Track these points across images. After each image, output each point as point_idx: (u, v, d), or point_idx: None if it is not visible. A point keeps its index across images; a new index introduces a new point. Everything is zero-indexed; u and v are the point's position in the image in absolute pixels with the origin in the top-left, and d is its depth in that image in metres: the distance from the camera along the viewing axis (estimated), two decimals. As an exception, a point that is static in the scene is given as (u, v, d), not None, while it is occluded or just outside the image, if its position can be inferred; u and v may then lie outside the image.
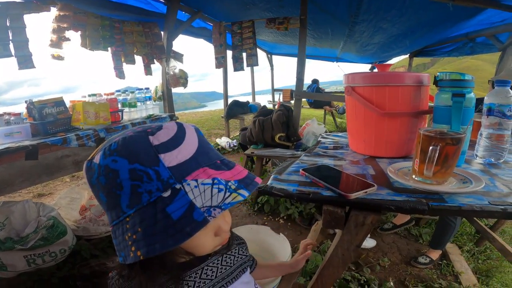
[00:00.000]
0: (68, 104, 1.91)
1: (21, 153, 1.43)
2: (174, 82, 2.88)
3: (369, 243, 1.89)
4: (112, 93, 2.40)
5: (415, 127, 0.84)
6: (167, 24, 2.94)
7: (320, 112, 6.72)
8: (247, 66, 3.11)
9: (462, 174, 0.65)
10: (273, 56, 6.86)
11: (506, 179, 0.68)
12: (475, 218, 1.89)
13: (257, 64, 3.02)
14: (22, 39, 1.95)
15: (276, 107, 5.29)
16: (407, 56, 4.68)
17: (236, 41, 3.13)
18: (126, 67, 2.92)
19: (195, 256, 0.47)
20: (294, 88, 2.72)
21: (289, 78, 2.59)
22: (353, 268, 1.66)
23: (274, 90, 7.64)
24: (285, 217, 2.31)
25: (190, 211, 0.35)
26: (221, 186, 0.37)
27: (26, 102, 1.74)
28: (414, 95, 0.83)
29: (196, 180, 0.37)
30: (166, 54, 2.97)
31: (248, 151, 2.48)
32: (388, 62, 5.15)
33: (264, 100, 7.09)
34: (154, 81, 3.30)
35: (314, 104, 6.56)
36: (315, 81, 6.83)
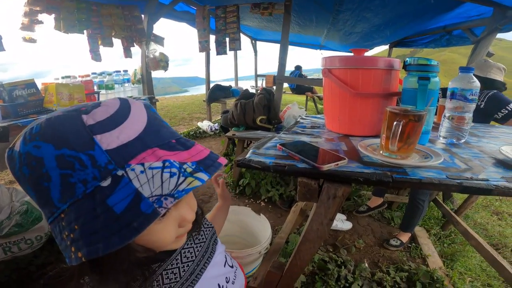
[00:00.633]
0: (40, 87, 1.83)
1: (-9, 135, 1.37)
2: (154, 65, 2.81)
3: (346, 225, 1.98)
4: (88, 75, 2.30)
5: (385, 108, 0.88)
6: (148, 7, 2.84)
7: (302, 98, 6.81)
8: (230, 50, 3.08)
9: (424, 150, 0.70)
10: (258, 42, 6.80)
11: (465, 157, 0.74)
12: (441, 202, 2.04)
13: (239, 49, 3.00)
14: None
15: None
16: (387, 46, 4.80)
17: (220, 25, 3.08)
18: (103, 50, 2.80)
19: (156, 250, 0.41)
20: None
21: (273, 65, 2.60)
22: (331, 250, 1.74)
23: (257, 76, 7.63)
24: (266, 200, 2.36)
25: (136, 202, 0.29)
26: (174, 170, 0.31)
27: (-5, 85, 1.65)
28: (385, 78, 0.88)
29: (143, 164, 0.30)
30: (146, 37, 2.88)
31: (229, 134, 2.49)
32: (369, 52, 5.27)
33: (247, 86, 7.07)
34: (133, 64, 3.21)
35: (296, 90, 6.63)
36: (298, 68, 6.88)
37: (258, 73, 7.66)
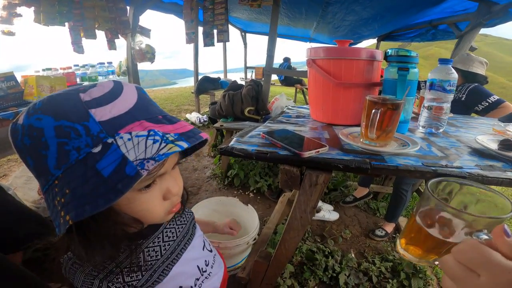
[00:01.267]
0: (19, 80, 1.76)
1: (-32, 128, 1.31)
2: (140, 57, 2.75)
3: (333, 216, 2.01)
4: (70, 67, 2.23)
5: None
6: (134, -1, 2.76)
7: (291, 90, 6.82)
8: (218, 42, 3.04)
9: (402, 138, 0.72)
10: (248, 35, 6.74)
11: (442, 146, 0.77)
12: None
13: (228, 40, 2.96)
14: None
15: (247, 83, 5.32)
16: (375, 40, 4.84)
17: (208, 16, 3.02)
18: (85, 42, 2.72)
19: (146, 224, 0.44)
20: (266, 66, 2.73)
21: (263, 57, 2.58)
22: (319, 240, 1.77)
23: (246, 68, 7.58)
24: (254, 191, 2.37)
25: (122, 165, 0.32)
26: (157, 138, 0.34)
27: (-27, 78, 1.58)
28: (367, 68, 0.89)
29: (130, 133, 0.34)
30: (131, 29, 2.81)
31: (217, 124, 2.48)
32: (358, 45, 5.30)
33: (236, 78, 7.02)
34: (118, 57, 3.13)
35: (285, 82, 6.62)
36: (286, 59, 6.87)
37: (248, 65, 7.61)
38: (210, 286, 0.59)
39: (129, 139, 0.33)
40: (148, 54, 2.81)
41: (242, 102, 2.37)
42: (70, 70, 2.14)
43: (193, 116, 4.39)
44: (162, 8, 3.56)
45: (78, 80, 2.14)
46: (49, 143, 0.32)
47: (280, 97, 2.47)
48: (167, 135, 0.35)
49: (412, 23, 3.75)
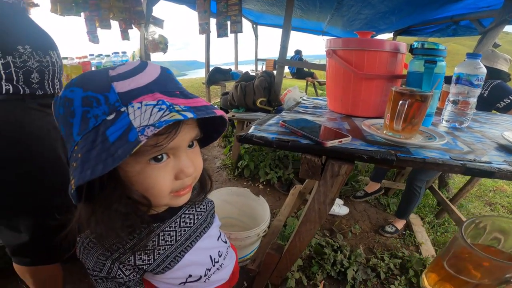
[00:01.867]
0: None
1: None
2: (153, 47, 2.76)
3: (342, 210, 2.00)
4: (85, 57, 2.26)
5: (389, 90, 0.88)
6: (148, -11, 2.76)
7: (302, 83, 6.74)
8: (231, 32, 3.02)
9: (428, 131, 0.70)
10: (259, 27, 6.66)
11: (467, 141, 0.75)
12: (438, 190, 2.06)
13: (241, 31, 2.94)
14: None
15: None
16: (391, 34, 4.71)
17: (221, 7, 3.01)
18: (100, 32, 2.75)
19: (154, 204, 0.43)
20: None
21: (273, 50, 2.55)
22: (328, 234, 1.76)
23: (257, 60, 7.51)
24: (264, 182, 2.37)
25: (126, 132, 0.32)
26: (163, 107, 0.34)
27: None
28: (391, 60, 0.87)
29: (141, 102, 0.34)
30: (145, 19, 2.82)
31: (229, 115, 2.48)
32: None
33: (247, 70, 6.99)
34: (132, 47, 3.15)
35: (297, 75, 6.54)
36: (298, 52, 6.77)
37: (258, 57, 7.53)
38: (219, 277, 0.58)
39: (138, 108, 0.34)
40: (161, 45, 2.82)
41: (254, 93, 2.35)
42: (85, 59, 2.17)
43: (204, 107, 4.38)
44: (174, -2, 3.54)
45: (93, 69, 2.17)
46: (76, 112, 0.35)
47: (293, 89, 2.44)
48: (175, 106, 0.35)
49: (432, 18, 3.62)
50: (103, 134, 0.33)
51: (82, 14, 2.53)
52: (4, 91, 0.73)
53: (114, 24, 2.79)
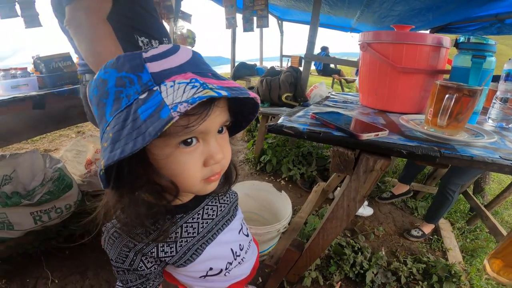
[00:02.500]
0: (75, 61, 1.90)
1: (29, 102, 1.41)
2: (181, 42, 2.83)
3: (366, 211, 1.94)
4: (118, 49, 2.35)
5: (430, 86, 0.83)
6: (176, -16, 2.81)
7: (328, 80, 6.59)
8: (257, 27, 3.01)
9: (474, 129, 0.65)
10: (284, 23, 6.58)
11: (516, 141, 0.68)
12: (472, 195, 1.93)
13: (267, 26, 2.92)
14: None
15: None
16: (427, 31, 4.45)
17: (248, 2, 3.01)
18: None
19: (182, 192, 0.42)
20: (303, 56, 2.64)
21: (299, 46, 2.51)
22: (349, 235, 1.72)
23: (282, 56, 7.42)
24: (286, 179, 2.35)
25: (158, 109, 0.32)
26: (197, 84, 0.33)
27: (33, 57, 1.72)
28: (432, 55, 0.82)
29: (174, 81, 0.34)
30: (174, 14, 2.88)
31: (253, 109, 2.48)
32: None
33: (272, 65, 6.94)
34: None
35: (323, 72, 6.39)
36: (324, 49, 6.62)
37: (283, 54, 7.45)
38: (240, 272, 0.57)
39: (171, 86, 0.34)
40: (189, 39, 2.88)
41: (279, 88, 2.33)
42: (118, 52, 2.26)
43: (228, 100, 4.43)
44: (202, -7, 3.58)
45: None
46: (109, 92, 0.35)
47: (320, 85, 2.38)
48: (208, 84, 0.34)
49: (474, 15, 3.38)
50: (134, 112, 0.33)
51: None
52: None
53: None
